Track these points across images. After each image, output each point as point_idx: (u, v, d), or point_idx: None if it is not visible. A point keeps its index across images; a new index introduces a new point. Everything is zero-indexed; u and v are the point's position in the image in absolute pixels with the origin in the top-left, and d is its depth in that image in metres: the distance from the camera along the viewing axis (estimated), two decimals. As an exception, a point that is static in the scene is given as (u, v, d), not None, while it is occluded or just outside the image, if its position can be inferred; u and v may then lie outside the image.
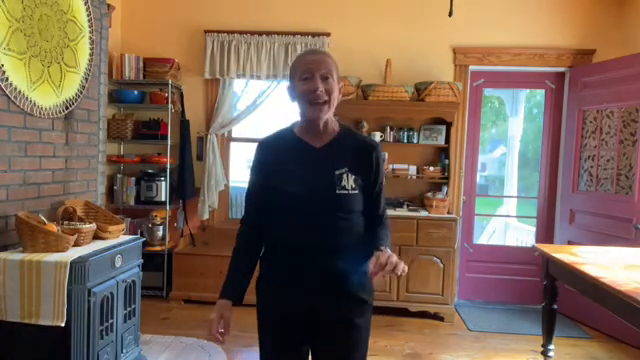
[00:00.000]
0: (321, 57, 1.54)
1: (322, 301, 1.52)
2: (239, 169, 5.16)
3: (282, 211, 1.55)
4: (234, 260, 1.66)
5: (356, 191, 1.53)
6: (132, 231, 4.27)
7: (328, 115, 1.55)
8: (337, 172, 1.52)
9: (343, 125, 1.63)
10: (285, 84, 4.70)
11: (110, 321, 2.46)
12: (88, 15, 2.93)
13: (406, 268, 1.38)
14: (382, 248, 1.45)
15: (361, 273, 1.49)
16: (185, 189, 4.31)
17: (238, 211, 5.61)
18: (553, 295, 2.81)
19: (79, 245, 2.42)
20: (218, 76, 4.34)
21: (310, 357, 1.64)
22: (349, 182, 1.52)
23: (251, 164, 1.64)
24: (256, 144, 1.65)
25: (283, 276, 1.55)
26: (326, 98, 1.50)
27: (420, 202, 4.28)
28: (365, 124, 4.22)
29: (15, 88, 2.35)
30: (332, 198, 1.51)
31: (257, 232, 1.62)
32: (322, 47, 4.27)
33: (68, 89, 2.77)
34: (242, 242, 1.65)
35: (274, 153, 1.60)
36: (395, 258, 1.37)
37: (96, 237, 2.60)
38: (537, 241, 4.47)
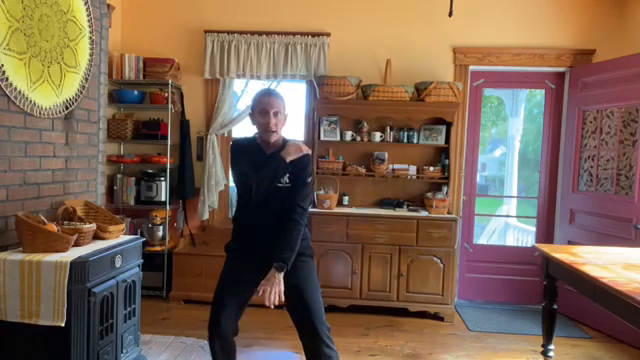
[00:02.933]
0: (273, 99, 2.26)
1: (266, 260, 2.16)
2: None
3: (242, 195, 2.31)
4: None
5: (289, 184, 2.24)
6: (132, 231, 4.27)
7: (276, 137, 2.28)
8: (278, 170, 2.20)
9: (285, 139, 2.34)
10: (285, 84, 4.71)
11: (110, 321, 2.46)
12: (88, 15, 2.93)
13: (276, 301, 2.12)
14: (275, 267, 2.13)
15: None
16: (185, 189, 4.31)
17: (238, 211, 5.63)
18: (553, 295, 2.82)
19: (79, 245, 2.42)
20: (218, 76, 4.34)
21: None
22: (284, 178, 2.23)
23: (230, 158, 2.37)
24: (231, 144, 2.46)
25: (242, 245, 2.30)
26: (275, 129, 2.24)
27: (420, 202, 4.28)
28: (365, 124, 4.22)
29: (15, 88, 2.35)
30: (273, 188, 2.20)
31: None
32: (322, 47, 4.28)
33: (68, 89, 2.77)
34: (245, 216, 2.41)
35: (241, 154, 2.30)
36: (270, 290, 2.11)
37: (96, 237, 2.60)
38: (537, 241, 4.47)
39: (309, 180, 2.29)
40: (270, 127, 2.21)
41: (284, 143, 2.31)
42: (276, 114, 2.23)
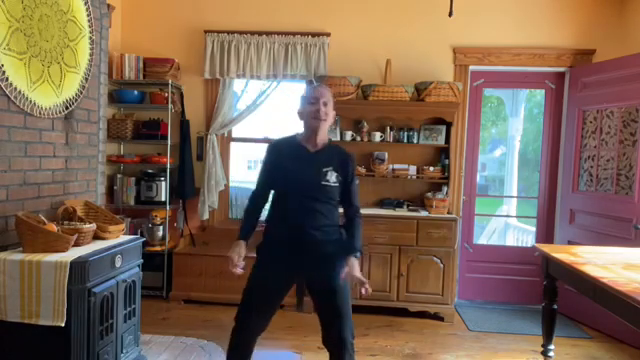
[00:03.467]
0: (323, 90, 2.29)
1: (306, 262, 2.22)
2: (239, 169, 5.15)
3: (283, 195, 2.28)
4: (247, 217, 2.36)
5: (336, 184, 2.24)
6: (132, 231, 4.27)
7: (324, 128, 2.26)
8: (324, 169, 2.22)
9: (330, 140, 2.36)
10: (285, 84, 4.72)
11: (110, 321, 2.46)
12: (88, 15, 2.93)
13: (370, 290, 2.12)
14: (354, 256, 2.17)
15: (334, 242, 2.25)
16: (185, 189, 4.31)
17: (238, 211, 5.61)
18: (553, 295, 2.82)
19: (79, 245, 2.42)
20: (218, 76, 4.34)
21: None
22: (332, 177, 2.22)
23: (263, 158, 2.34)
24: (267, 144, 2.38)
25: (280, 244, 2.25)
26: (324, 117, 2.23)
27: (420, 202, 4.28)
28: (365, 124, 4.22)
29: (15, 88, 2.35)
30: (318, 187, 2.20)
31: (261, 200, 2.36)
32: (322, 47, 4.28)
33: (68, 89, 2.77)
34: (251, 205, 2.37)
35: (281, 152, 2.30)
36: (359, 276, 2.13)
37: (96, 237, 2.60)
38: (537, 241, 4.47)
39: (357, 179, 2.37)
40: (320, 114, 2.21)
41: (329, 143, 2.33)
42: (325, 104, 2.24)
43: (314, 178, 2.20)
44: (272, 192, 2.36)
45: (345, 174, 2.27)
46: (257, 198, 2.36)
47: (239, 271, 2.16)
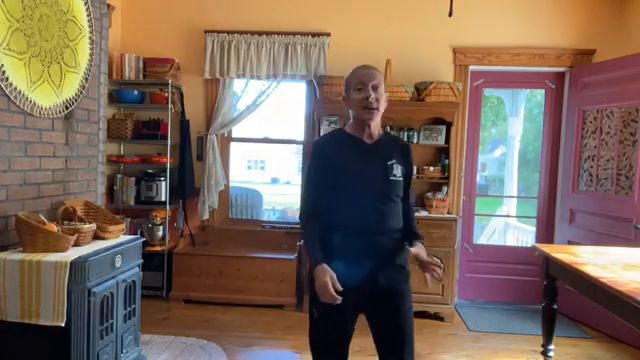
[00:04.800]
0: (372, 71, 1.90)
1: (377, 272, 1.85)
2: (239, 169, 5.15)
3: (344, 197, 1.86)
4: (315, 240, 1.87)
5: (401, 179, 1.92)
6: (132, 231, 4.27)
7: (377, 118, 1.90)
8: (389, 163, 1.90)
9: (385, 130, 2.03)
10: (285, 84, 4.70)
11: (110, 321, 2.46)
12: (88, 15, 2.93)
13: (441, 275, 1.83)
14: (436, 260, 1.85)
15: (404, 248, 1.92)
16: (185, 189, 4.31)
17: (238, 211, 5.61)
18: (553, 295, 2.81)
19: (79, 245, 2.42)
20: (218, 76, 4.34)
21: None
22: (398, 171, 1.91)
23: (310, 162, 1.96)
24: (312, 144, 2.03)
25: (344, 253, 1.83)
26: (375, 105, 1.85)
27: (420, 202, 4.28)
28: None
29: (15, 88, 2.35)
30: (386, 184, 1.87)
31: (319, 217, 1.90)
32: (322, 47, 4.28)
33: (68, 89, 2.77)
34: (313, 227, 1.89)
35: (332, 150, 1.92)
36: (428, 258, 1.84)
37: (96, 237, 2.60)
38: (537, 241, 4.47)
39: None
40: (370, 102, 1.84)
41: (385, 132, 2.01)
42: (375, 88, 1.86)
43: (382, 174, 1.88)
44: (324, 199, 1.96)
45: (408, 166, 1.97)
46: (316, 210, 1.90)
47: (339, 299, 1.73)
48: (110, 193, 4.30)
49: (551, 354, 2.87)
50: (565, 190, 4.27)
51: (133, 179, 4.34)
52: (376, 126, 1.93)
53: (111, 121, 4.26)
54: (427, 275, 1.83)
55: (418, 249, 1.87)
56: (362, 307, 1.91)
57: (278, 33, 4.29)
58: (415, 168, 2.10)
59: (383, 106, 1.89)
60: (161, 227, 4.27)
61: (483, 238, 6.50)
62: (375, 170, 1.88)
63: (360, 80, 1.87)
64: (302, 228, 1.94)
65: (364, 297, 1.87)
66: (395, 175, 1.89)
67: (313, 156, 1.95)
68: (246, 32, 4.31)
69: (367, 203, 1.85)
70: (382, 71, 4.23)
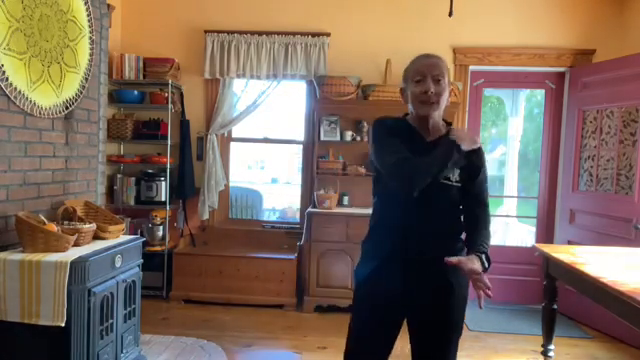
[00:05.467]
0: (434, 61, 1.68)
1: (419, 283, 1.66)
2: (239, 169, 5.14)
3: (390, 197, 1.71)
4: (424, 159, 1.62)
5: (459, 184, 1.67)
6: (132, 231, 4.27)
7: (437, 114, 1.68)
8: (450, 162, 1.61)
9: (449, 123, 1.77)
10: (285, 84, 4.69)
11: (110, 321, 2.46)
12: (88, 15, 2.93)
13: (491, 295, 1.59)
14: (476, 254, 1.62)
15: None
16: (185, 189, 4.31)
17: (238, 211, 5.61)
18: (553, 295, 2.81)
19: (79, 245, 2.42)
20: (218, 76, 4.34)
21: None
22: (454, 175, 1.66)
23: (381, 132, 1.75)
24: (376, 121, 1.81)
25: (385, 255, 1.68)
26: (435, 99, 1.64)
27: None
28: (365, 124, 4.22)
29: (15, 88, 2.35)
30: (436, 186, 1.61)
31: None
32: (322, 47, 4.27)
33: (68, 89, 2.77)
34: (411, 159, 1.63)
35: (396, 133, 1.70)
36: (481, 276, 1.58)
37: (96, 237, 2.60)
38: (537, 241, 4.47)
39: (487, 179, 1.76)
40: (429, 97, 1.63)
41: (449, 129, 1.73)
42: (438, 80, 1.64)
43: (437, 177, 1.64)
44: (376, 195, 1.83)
45: (474, 170, 1.70)
46: (404, 155, 1.63)
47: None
48: (110, 193, 4.30)
49: (551, 354, 2.86)
50: (565, 190, 4.27)
51: (133, 179, 4.34)
52: (436, 122, 1.71)
53: (111, 121, 4.26)
54: (478, 292, 1.58)
55: (464, 259, 1.60)
56: (401, 313, 1.75)
57: (278, 33, 4.29)
58: (486, 173, 1.76)
59: (445, 101, 1.67)
60: (161, 227, 4.26)
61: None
62: None
63: (419, 71, 1.67)
64: (403, 169, 1.59)
65: (405, 307, 1.72)
66: (448, 179, 1.64)
67: (380, 128, 1.74)
68: (246, 32, 4.31)
69: (411, 207, 1.63)
70: (382, 71, 4.26)
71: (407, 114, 1.80)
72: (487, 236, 1.71)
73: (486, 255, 1.64)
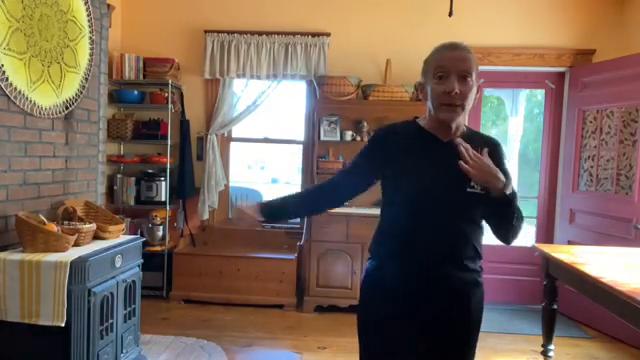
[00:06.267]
0: (461, 54, 1.44)
1: (434, 314, 1.46)
2: (239, 169, 5.14)
3: (400, 206, 1.48)
4: (295, 193, 1.72)
5: (483, 192, 1.42)
6: (132, 231, 4.27)
7: (461, 118, 1.45)
8: None
9: (467, 125, 1.56)
10: (285, 84, 4.67)
11: (110, 321, 2.46)
12: (88, 15, 2.93)
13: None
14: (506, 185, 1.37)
15: (480, 288, 1.50)
16: (185, 189, 4.31)
17: (238, 211, 5.60)
18: (553, 295, 2.81)
19: (79, 245, 2.42)
20: (218, 76, 4.34)
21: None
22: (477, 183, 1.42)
23: (363, 149, 1.60)
24: (375, 132, 1.63)
25: (392, 277, 1.47)
26: (460, 102, 1.39)
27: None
28: (365, 124, 4.22)
29: (15, 88, 2.35)
30: (460, 195, 1.42)
31: (328, 191, 1.65)
32: (322, 47, 4.27)
33: (68, 89, 2.77)
34: (312, 187, 1.80)
35: (396, 143, 1.50)
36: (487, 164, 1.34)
37: (96, 237, 2.60)
38: (537, 241, 4.47)
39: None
40: (452, 99, 1.38)
41: (468, 129, 1.54)
42: (464, 77, 1.40)
43: (455, 183, 1.41)
44: (384, 209, 1.62)
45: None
46: (326, 185, 1.64)
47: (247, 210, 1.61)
48: (110, 193, 4.29)
49: (551, 354, 2.86)
50: (565, 190, 4.27)
51: (133, 179, 4.34)
52: (460, 125, 1.48)
53: (111, 121, 4.26)
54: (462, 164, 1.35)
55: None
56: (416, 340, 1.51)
57: (278, 33, 4.29)
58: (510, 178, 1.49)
59: (471, 102, 1.42)
60: (161, 227, 4.26)
61: (483, 238, 6.49)
62: (446, 177, 1.41)
63: (442, 65, 1.42)
64: (310, 194, 1.75)
65: (425, 328, 1.48)
66: (474, 187, 1.40)
67: (368, 145, 1.58)
68: (246, 32, 4.31)
69: (430, 221, 1.42)
70: (382, 71, 4.26)
71: (417, 117, 1.58)
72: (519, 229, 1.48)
73: (513, 192, 1.42)
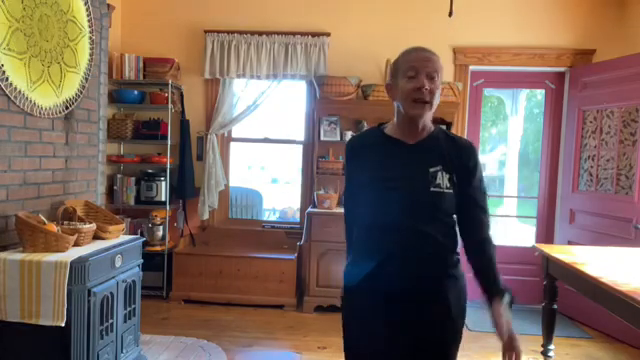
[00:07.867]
0: (429, 56, 1.54)
1: (404, 314, 1.49)
2: (239, 169, 5.14)
3: (370, 209, 1.51)
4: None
5: (450, 190, 1.47)
6: (132, 231, 4.27)
7: (428, 115, 1.51)
8: (431, 170, 1.48)
9: (437, 126, 1.60)
10: (285, 84, 4.67)
11: (110, 321, 2.46)
12: (88, 15, 2.93)
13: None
14: (500, 299, 1.53)
15: (457, 284, 1.58)
16: (185, 189, 4.31)
17: (238, 211, 5.60)
18: (553, 295, 2.82)
19: (79, 245, 2.42)
20: (218, 76, 4.34)
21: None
22: (444, 180, 1.47)
23: (344, 168, 1.67)
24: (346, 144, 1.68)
25: (369, 296, 1.50)
26: (428, 98, 1.47)
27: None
28: (365, 124, 4.22)
29: (15, 88, 2.35)
30: (426, 196, 1.46)
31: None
32: (322, 47, 4.27)
33: (68, 89, 2.77)
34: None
35: (360, 153, 1.59)
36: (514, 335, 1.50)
37: (96, 237, 2.60)
38: (537, 241, 4.47)
39: (485, 184, 1.56)
40: (422, 94, 1.45)
41: (437, 130, 1.58)
42: (431, 77, 1.48)
43: (418, 184, 1.46)
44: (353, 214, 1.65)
45: (466, 174, 1.51)
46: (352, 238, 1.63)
47: None
48: (110, 193, 4.30)
49: (551, 354, 2.87)
50: (565, 190, 4.27)
51: (133, 179, 4.34)
52: (427, 124, 1.54)
53: (111, 121, 4.26)
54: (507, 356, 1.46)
55: (502, 313, 1.52)
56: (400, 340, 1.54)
57: (278, 33, 4.29)
58: (483, 180, 1.58)
59: (437, 101, 1.50)
60: (161, 227, 4.26)
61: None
62: (410, 179, 1.47)
63: (412, 65, 1.50)
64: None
65: (399, 332, 1.52)
66: (439, 185, 1.45)
67: (345, 162, 1.67)
68: (246, 32, 4.31)
69: (396, 224, 1.46)
70: (382, 71, 4.26)
71: (382, 124, 1.62)
72: (494, 256, 1.60)
73: (506, 289, 1.54)
